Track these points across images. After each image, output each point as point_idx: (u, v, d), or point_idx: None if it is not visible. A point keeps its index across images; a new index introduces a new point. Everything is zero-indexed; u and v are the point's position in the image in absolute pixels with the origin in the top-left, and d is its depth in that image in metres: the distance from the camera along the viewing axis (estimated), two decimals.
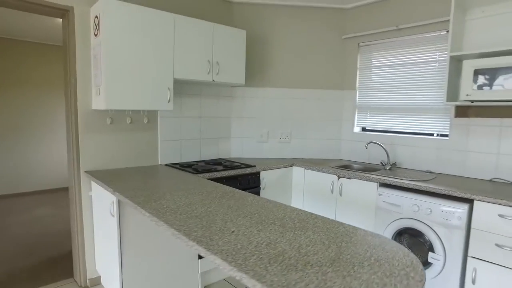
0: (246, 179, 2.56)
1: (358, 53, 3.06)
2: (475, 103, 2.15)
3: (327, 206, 2.68)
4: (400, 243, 1.11)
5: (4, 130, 4.71)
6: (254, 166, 2.66)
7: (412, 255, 1.02)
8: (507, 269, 1.77)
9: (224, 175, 2.41)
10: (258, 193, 2.65)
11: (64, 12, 2.21)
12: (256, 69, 3.13)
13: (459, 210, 1.92)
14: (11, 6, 2.11)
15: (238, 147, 3.20)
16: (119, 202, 1.90)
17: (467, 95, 2.11)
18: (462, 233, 1.92)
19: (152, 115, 2.62)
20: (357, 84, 3.10)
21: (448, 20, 2.40)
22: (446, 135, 2.52)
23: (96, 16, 2.13)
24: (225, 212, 1.42)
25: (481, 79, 2.05)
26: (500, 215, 1.78)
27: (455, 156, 2.45)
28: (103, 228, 2.16)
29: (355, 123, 3.13)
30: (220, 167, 2.54)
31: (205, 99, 2.95)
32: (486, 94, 2.03)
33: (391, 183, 2.24)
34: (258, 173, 2.65)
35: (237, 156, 3.21)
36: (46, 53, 4.98)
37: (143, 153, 2.60)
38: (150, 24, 2.23)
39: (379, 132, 2.99)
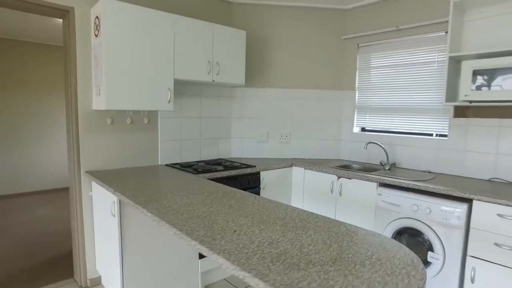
0: (246, 179, 2.57)
1: (357, 53, 3.08)
2: (473, 104, 2.17)
3: (327, 206, 2.69)
4: (400, 243, 1.12)
5: (4, 130, 4.70)
6: (254, 166, 2.67)
7: (412, 254, 1.03)
8: (506, 268, 1.78)
9: (225, 175, 2.42)
10: (258, 193, 2.66)
11: (65, 13, 2.21)
12: (256, 69, 3.14)
13: (458, 210, 1.94)
14: (12, 6, 2.12)
15: (238, 147, 3.21)
16: (120, 202, 1.90)
17: (465, 95, 2.13)
18: (461, 233, 1.94)
19: (152, 115, 2.63)
20: (357, 85, 3.11)
21: (447, 21, 2.41)
22: (445, 135, 2.54)
23: (97, 17, 2.13)
24: (227, 212, 1.43)
25: (480, 80, 2.07)
26: (499, 215, 1.79)
27: (454, 156, 2.47)
28: (103, 228, 2.17)
29: (355, 123, 3.15)
30: (220, 167, 2.54)
31: (205, 99, 2.96)
32: (485, 95, 2.05)
33: (391, 183, 2.26)
34: (258, 173, 2.66)
35: (237, 156, 3.22)
36: (46, 54, 4.98)
37: (143, 153, 2.60)
38: (151, 24, 2.24)
39: (378, 132, 3.00)
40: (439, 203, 2.01)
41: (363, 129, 3.15)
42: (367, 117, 3.06)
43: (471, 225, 1.90)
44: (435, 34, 2.55)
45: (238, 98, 3.17)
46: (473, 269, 1.90)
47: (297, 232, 1.20)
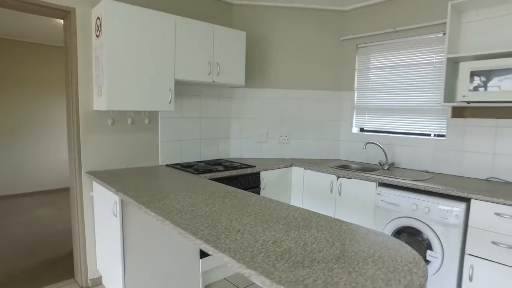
0: (246, 179, 2.59)
1: (356, 54, 3.10)
2: (471, 104, 2.20)
3: (327, 205, 2.71)
4: (401, 241, 1.14)
5: (3, 131, 4.69)
6: (254, 166, 2.69)
7: (414, 251, 1.05)
8: (503, 266, 1.81)
9: (225, 175, 2.43)
10: (258, 193, 2.68)
11: (66, 13, 2.22)
12: (255, 70, 3.16)
13: (456, 209, 1.97)
14: (12, 7, 2.12)
15: (238, 148, 3.23)
16: (121, 202, 1.91)
17: (463, 96, 2.16)
18: (460, 231, 1.96)
19: (153, 115, 2.63)
20: (355, 85, 3.14)
21: (445, 23, 2.45)
22: (443, 136, 2.57)
23: (98, 18, 2.14)
24: (230, 211, 1.44)
25: (477, 81, 2.10)
26: (496, 213, 1.82)
27: (452, 156, 2.50)
28: (105, 228, 2.17)
29: (354, 123, 3.17)
30: (221, 168, 2.56)
31: (205, 100, 2.97)
32: (482, 95, 2.08)
33: (390, 183, 2.28)
34: (258, 173, 2.68)
35: (236, 156, 3.23)
36: (46, 54, 4.97)
37: (144, 154, 2.61)
38: (152, 25, 2.25)
39: (377, 132, 3.03)
40: (438, 203, 2.04)
41: (361, 130, 3.17)
42: (366, 118, 3.08)
43: (469, 224, 1.93)
44: (433, 36, 2.59)
45: (237, 99, 3.18)
46: (471, 267, 1.93)
47: (300, 231, 1.22)
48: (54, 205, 4.43)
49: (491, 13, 2.24)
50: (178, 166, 2.60)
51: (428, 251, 2.09)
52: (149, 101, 2.29)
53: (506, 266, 1.80)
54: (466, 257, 1.95)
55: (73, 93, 2.26)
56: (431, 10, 2.57)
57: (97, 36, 2.18)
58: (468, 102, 2.19)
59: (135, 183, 1.97)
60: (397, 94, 2.84)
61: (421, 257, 1.02)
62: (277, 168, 2.81)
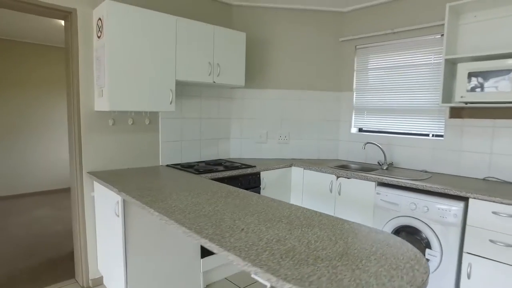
0: (247, 179, 2.60)
1: (355, 55, 3.13)
2: (468, 105, 2.23)
3: (326, 205, 2.73)
4: (402, 239, 1.17)
5: (3, 131, 4.68)
6: (255, 166, 2.71)
7: (415, 249, 1.07)
8: (501, 263, 1.84)
9: (226, 175, 2.45)
10: (258, 193, 2.69)
11: (67, 14, 2.22)
12: (255, 70, 3.18)
13: (454, 208, 1.99)
14: (14, 7, 2.12)
15: (238, 148, 3.24)
16: (123, 202, 1.92)
17: (461, 96, 2.19)
18: (458, 230, 1.99)
19: (153, 116, 2.64)
20: (354, 86, 3.16)
21: (443, 24, 2.48)
22: (441, 136, 2.60)
23: (99, 18, 2.15)
24: (232, 210, 1.46)
25: (475, 82, 2.13)
26: (494, 212, 1.85)
27: (450, 156, 2.53)
28: (106, 228, 2.18)
29: (352, 124, 3.20)
30: (221, 168, 2.57)
31: (206, 100, 2.99)
32: (480, 96, 2.11)
33: (389, 182, 2.31)
34: (258, 173, 2.69)
35: (236, 156, 3.25)
36: (45, 54, 4.96)
37: (145, 154, 2.62)
38: (153, 26, 2.26)
39: (375, 132, 3.06)
40: (436, 202, 2.07)
41: (360, 130, 3.20)
42: (365, 118, 3.11)
43: (467, 222, 1.96)
44: (431, 37, 2.62)
45: (237, 99, 3.20)
46: (469, 265, 1.96)
47: (303, 229, 1.24)
48: (53, 206, 4.42)
49: (489, 15, 2.27)
50: (179, 166, 2.61)
51: (427, 250, 2.12)
52: (150, 101, 2.30)
53: (503, 264, 1.83)
54: (465, 256, 1.98)
55: (74, 94, 2.27)
56: (429, 11, 2.60)
57: (98, 37, 2.18)
58: (466, 103, 2.22)
59: (136, 183, 1.98)
60: (395, 94, 2.87)
61: (422, 254, 1.04)
62: (277, 168, 2.83)
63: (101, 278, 2.43)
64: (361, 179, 2.48)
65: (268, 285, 0.98)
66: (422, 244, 2.15)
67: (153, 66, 2.29)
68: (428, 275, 0.91)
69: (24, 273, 2.59)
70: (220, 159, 3.07)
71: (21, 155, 4.86)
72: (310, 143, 3.28)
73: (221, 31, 2.66)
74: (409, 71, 2.77)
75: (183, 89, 2.82)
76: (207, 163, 2.81)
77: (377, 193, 2.36)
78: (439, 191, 2.06)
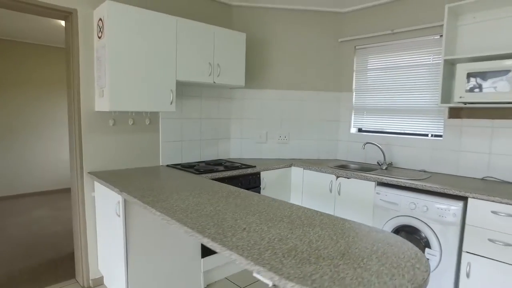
0: (247, 179, 2.61)
1: (354, 55, 3.15)
2: (467, 105, 2.25)
3: (326, 205, 2.75)
4: (403, 238, 1.18)
5: (2, 131, 4.67)
6: (255, 166, 2.72)
7: (415, 248, 1.08)
8: (499, 262, 1.86)
9: (226, 175, 2.46)
10: (258, 193, 2.70)
11: (68, 15, 2.23)
12: (255, 71, 3.19)
13: (454, 207, 2.01)
14: (14, 8, 2.12)
15: (237, 148, 3.25)
16: (125, 202, 1.92)
17: (460, 97, 2.20)
18: (457, 229, 2.01)
19: (153, 116, 2.65)
20: (354, 86, 3.18)
21: (442, 25, 2.49)
22: (440, 136, 2.62)
23: (100, 19, 2.15)
24: (234, 210, 1.47)
25: (474, 82, 2.15)
26: (493, 212, 1.87)
27: (449, 156, 2.55)
28: (107, 228, 2.18)
29: (352, 124, 3.21)
30: (221, 168, 2.58)
31: (206, 100, 3.00)
32: (479, 96, 2.12)
33: (389, 182, 2.32)
34: (258, 173, 2.70)
35: (236, 156, 3.26)
36: (45, 55, 4.96)
37: (145, 154, 2.62)
38: (153, 27, 2.27)
39: (375, 132, 3.07)
40: (436, 201, 2.08)
41: (360, 130, 3.22)
42: (364, 118, 3.13)
43: (467, 222, 1.97)
44: (430, 38, 2.63)
45: (237, 100, 3.21)
46: (469, 264, 1.97)
47: (304, 229, 1.25)
48: (52, 206, 4.42)
49: (488, 16, 2.29)
50: (179, 167, 2.61)
51: (427, 249, 2.13)
52: (150, 101, 2.31)
53: (502, 263, 1.85)
54: (464, 255, 2.00)
55: (75, 94, 2.27)
56: (429, 12, 2.62)
57: (99, 37, 2.19)
58: (465, 103, 2.24)
59: (137, 183, 1.98)
60: (395, 95, 2.89)
61: (423, 253, 1.05)
62: (277, 168, 2.84)
63: (102, 278, 2.44)
64: (360, 179, 2.49)
65: (270, 284, 0.99)
66: (422, 243, 2.17)
67: (154, 67, 2.30)
68: (428, 274, 0.92)
69: (24, 273, 2.59)
70: (220, 159, 3.08)
71: (20, 155, 4.86)
72: (310, 143, 3.29)
73: (221, 31, 2.67)
74: (408, 71, 2.79)
75: (183, 90, 2.82)
76: (207, 163, 2.82)
77: (377, 193, 2.38)
78: (439, 190, 2.08)
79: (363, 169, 2.88)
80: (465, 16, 2.38)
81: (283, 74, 3.21)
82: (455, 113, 2.49)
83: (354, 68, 3.16)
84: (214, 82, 2.67)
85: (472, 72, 2.15)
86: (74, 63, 2.25)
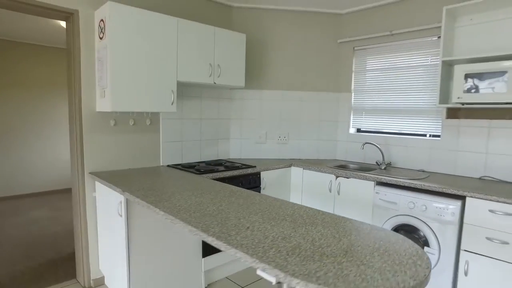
0: (247, 179, 2.63)
1: (353, 56, 3.18)
2: (465, 106, 2.28)
3: (326, 204, 2.77)
4: (404, 236, 1.20)
5: (1, 132, 4.65)
6: (255, 166, 2.73)
7: (416, 245, 1.11)
8: (497, 260, 1.89)
9: (227, 175, 2.47)
10: (259, 193, 2.72)
11: (69, 15, 2.24)
12: (254, 71, 3.21)
13: (452, 207, 2.04)
14: (15, 8, 2.13)
15: (237, 148, 3.27)
16: (127, 202, 1.93)
17: (458, 97, 2.23)
18: (455, 228, 2.04)
19: (154, 117, 2.66)
20: (353, 87, 3.21)
21: (439, 27, 2.53)
22: (438, 136, 2.65)
23: (102, 20, 2.16)
24: (236, 210, 1.48)
25: (471, 83, 2.18)
26: (491, 210, 1.90)
27: (447, 156, 2.58)
28: (108, 228, 2.19)
29: (351, 124, 3.24)
30: (222, 168, 2.60)
31: (206, 101, 3.01)
32: (476, 97, 2.16)
33: (388, 182, 2.35)
34: (258, 173, 2.72)
35: (236, 157, 3.27)
36: (44, 55, 4.95)
37: (146, 154, 2.63)
38: (154, 27, 2.28)
39: (373, 133, 3.10)
40: (434, 201, 2.11)
41: (358, 130, 3.24)
42: (363, 118, 3.16)
43: (465, 220, 2.00)
44: (428, 39, 2.67)
45: (237, 100, 3.23)
46: (467, 262, 2.00)
47: (307, 227, 1.27)
48: (52, 207, 4.41)
49: (484, 18, 2.32)
50: (179, 167, 2.63)
51: (425, 248, 2.16)
52: (151, 102, 2.32)
53: (500, 261, 1.88)
54: (462, 253, 2.02)
55: (76, 95, 2.28)
56: (427, 14, 2.65)
57: (101, 38, 2.20)
58: (463, 104, 2.27)
59: (139, 184, 1.99)
60: (393, 95, 2.92)
61: (423, 251, 1.07)
62: (277, 168, 2.86)
63: (103, 278, 2.44)
64: (360, 179, 2.52)
65: (274, 281, 1.01)
66: (420, 242, 2.20)
67: (155, 67, 2.31)
68: (430, 270, 0.94)
69: (25, 273, 2.59)
70: (220, 159, 3.09)
71: (19, 156, 4.84)
72: (309, 143, 3.31)
73: (221, 32, 2.69)
74: (406, 72, 2.82)
75: (184, 90, 2.84)
76: (208, 163, 2.84)
77: (376, 192, 2.40)
78: (437, 190, 2.11)
79: (362, 169, 2.91)
80: (463, 18, 2.42)
81: (282, 75, 3.23)
82: (453, 113, 2.52)
83: (353, 69, 3.19)
84: (215, 83, 2.68)
85: (470, 73, 2.18)
86: (75, 64, 2.26)
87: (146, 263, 2.04)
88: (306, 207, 1.54)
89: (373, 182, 2.45)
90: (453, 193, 2.04)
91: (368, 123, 3.12)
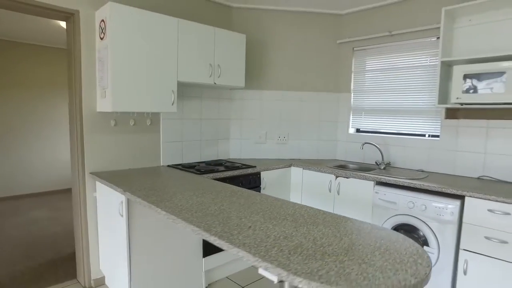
0: (247, 179, 2.64)
1: (352, 57, 3.19)
2: (464, 106, 2.29)
3: (325, 204, 2.78)
4: (404, 235, 1.21)
5: (0, 132, 4.64)
6: (255, 166, 2.74)
7: (417, 244, 1.12)
8: (496, 259, 1.90)
9: (227, 175, 2.48)
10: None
11: (69, 16, 2.24)
12: (254, 72, 3.22)
13: (451, 206, 2.05)
14: (16, 9, 2.13)
15: (237, 148, 3.28)
16: (128, 202, 1.94)
17: (457, 98, 2.25)
18: (455, 227, 2.05)
19: (154, 117, 2.67)
20: (352, 87, 3.22)
21: (438, 28, 2.54)
22: (437, 136, 2.67)
23: (103, 20, 2.17)
24: (238, 209, 1.49)
25: (470, 83, 2.20)
26: (489, 210, 1.92)
27: (446, 156, 2.60)
28: (109, 228, 2.20)
29: (350, 124, 3.26)
30: (222, 168, 2.60)
31: (206, 101, 3.02)
32: (475, 97, 2.17)
33: (387, 182, 2.36)
34: (258, 173, 2.73)
35: (236, 157, 3.28)
36: (43, 55, 4.95)
37: (146, 155, 2.64)
38: (155, 28, 2.29)
39: (373, 133, 3.12)
40: (434, 200, 2.13)
41: (358, 130, 3.26)
42: (362, 119, 3.17)
43: (464, 220, 2.02)
44: (427, 40, 2.68)
45: (237, 100, 3.23)
46: (466, 261, 2.02)
47: (308, 227, 1.28)
48: (51, 207, 4.40)
49: (483, 19, 2.34)
50: (180, 167, 2.63)
51: (425, 247, 2.18)
52: (152, 102, 2.33)
53: (498, 260, 1.90)
54: (461, 252, 2.04)
55: (77, 95, 2.28)
56: (426, 15, 2.67)
57: (101, 39, 2.20)
58: (461, 104, 2.29)
59: (140, 184, 2.00)
60: (392, 95, 2.93)
61: (424, 249, 1.08)
62: (276, 168, 2.87)
63: (103, 278, 2.45)
64: (359, 179, 2.53)
65: (276, 280, 1.02)
66: (420, 241, 2.21)
67: (156, 67, 2.32)
68: (430, 269, 0.95)
69: (25, 274, 2.59)
70: (220, 160, 3.10)
71: (19, 156, 4.84)
72: (309, 143, 3.33)
73: (221, 33, 2.70)
74: (405, 72, 2.83)
75: (184, 90, 2.84)
76: (208, 163, 2.84)
77: (376, 192, 2.42)
78: (436, 190, 2.12)
79: (362, 169, 2.92)
80: (461, 19, 2.44)
81: (282, 75, 3.24)
82: (452, 113, 2.54)
83: (352, 69, 3.20)
84: (215, 83, 2.69)
85: (469, 74, 2.19)
86: (76, 64, 2.26)
87: (147, 262, 2.05)
88: (307, 206, 1.55)
89: (372, 182, 2.46)
90: (452, 192, 2.05)
91: (367, 123, 3.13)
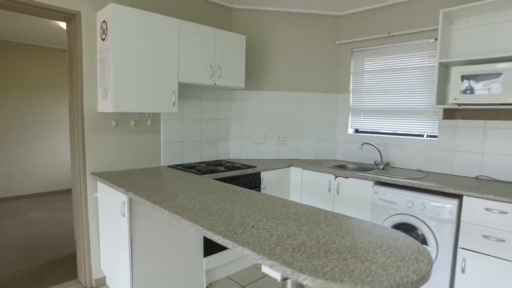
0: (247, 179, 2.65)
1: (351, 58, 3.22)
2: (461, 106, 2.33)
3: (325, 204, 2.80)
4: (405, 234, 1.23)
5: (0, 132, 4.64)
6: (255, 166, 2.76)
7: (417, 242, 1.14)
8: (493, 257, 1.94)
9: (228, 176, 2.50)
10: None
11: (71, 17, 2.25)
12: (255, 73, 3.24)
13: (449, 205, 2.08)
14: (17, 9, 2.14)
15: (237, 149, 3.29)
16: (130, 202, 1.95)
17: (455, 99, 2.28)
18: (453, 226, 2.08)
19: (155, 117, 2.68)
20: (351, 88, 3.25)
21: (436, 29, 2.58)
22: (435, 136, 2.70)
23: (104, 21, 2.18)
24: (241, 209, 1.51)
25: (467, 84, 2.23)
26: (487, 209, 1.95)
27: (444, 156, 2.63)
28: (110, 228, 2.20)
29: (349, 125, 3.28)
30: (222, 168, 2.62)
31: (206, 102, 3.03)
32: (473, 98, 2.21)
33: (386, 181, 2.39)
34: (259, 173, 2.75)
35: (235, 157, 3.30)
36: (43, 56, 4.94)
37: (147, 155, 2.65)
38: (156, 29, 2.30)
39: (371, 133, 3.15)
40: (432, 200, 2.16)
41: (357, 131, 3.29)
42: (361, 119, 3.20)
43: (462, 219, 2.05)
44: (425, 41, 2.72)
45: (237, 101, 3.25)
46: (464, 260, 2.05)
47: (311, 225, 1.30)
48: (51, 207, 4.40)
49: (480, 21, 2.37)
50: (180, 167, 2.64)
51: (424, 246, 2.20)
52: (153, 103, 2.34)
53: (496, 258, 1.93)
54: (459, 251, 2.07)
55: (78, 95, 2.29)
56: (424, 17, 2.70)
57: (103, 39, 2.21)
58: (459, 105, 2.32)
59: (141, 184, 2.01)
60: (391, 96, 2.96)
61: (425, 247, 1.11)
62: (276, 169, 2.89)
63: (104, 278, 2.45)
64: (359, 179, 2.56)
65: (279, 278, 1.04)
66: (418, 240, 2.24)
67: (156, 68, 2.33)
68: (431, 266, 0.98)
69: (24, 274, 2.59)
70: (220, 160, 3.12)
71: (18, 156, 4.82)
72: (308, 143, 3.35)
73: (222, 34, 2.71)
74: (404, 73, 2.86)
75: (185, 91, 2.86)
76: (208, 163, 2.86)
77: (375, 192, 2.44)
78: (435, 189, 2.15)
79: (361, 169, 2.95)
80: (459, 21, 2.47)
81: (281, 76, 3.27)
82: (450, 114, 2.57)
83: (351, 70, 3.23)
84: (215, 84, 2.71)
85: (466, 75, 2.23)
86: (77, 65, 2.27)
87: (148, 262, 2.06)
88: (309, 206, 1.57)
89: (372, 182, 2.49)
90: (450, 192, 2.08)
91: (366, 123, 3.16)
